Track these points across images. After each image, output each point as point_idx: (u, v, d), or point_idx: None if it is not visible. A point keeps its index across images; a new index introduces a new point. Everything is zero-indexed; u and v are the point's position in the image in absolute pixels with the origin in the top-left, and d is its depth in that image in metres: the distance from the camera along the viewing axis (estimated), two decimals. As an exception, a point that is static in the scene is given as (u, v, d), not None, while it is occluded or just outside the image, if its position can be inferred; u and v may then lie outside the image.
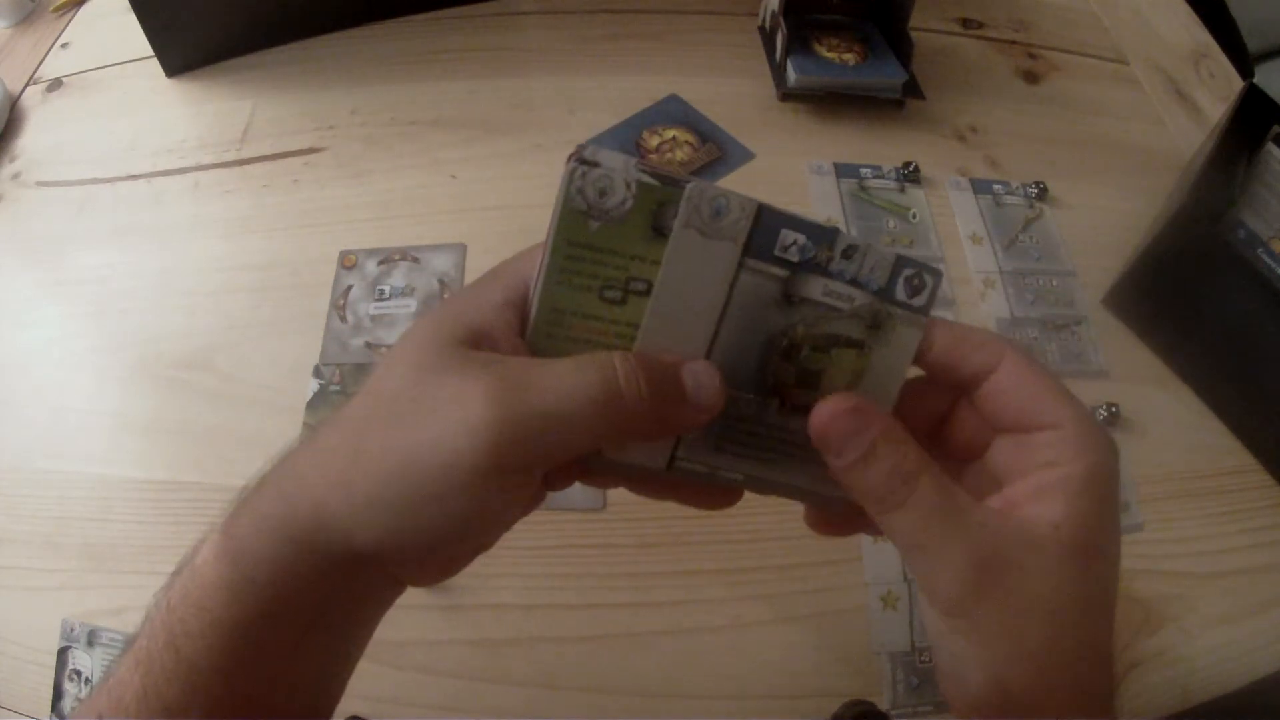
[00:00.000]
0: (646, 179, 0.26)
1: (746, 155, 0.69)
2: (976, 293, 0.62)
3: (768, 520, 0.50)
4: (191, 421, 0.55)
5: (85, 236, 0.64)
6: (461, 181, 0.66)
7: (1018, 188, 0.68)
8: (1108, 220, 0.67)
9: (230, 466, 0.53)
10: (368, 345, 0.58)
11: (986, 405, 0.29)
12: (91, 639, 0.48)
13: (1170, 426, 0.57)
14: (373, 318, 0.59)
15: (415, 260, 0.62)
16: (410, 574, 0.29)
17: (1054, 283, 0.63)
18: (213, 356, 0.58)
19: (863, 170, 0.68)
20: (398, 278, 0.61)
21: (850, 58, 0.71)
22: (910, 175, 0.67)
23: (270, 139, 0.69)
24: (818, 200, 0.66)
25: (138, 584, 0.49)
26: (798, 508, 0.32)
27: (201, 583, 0.26)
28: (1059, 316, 0.61)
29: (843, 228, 0.63)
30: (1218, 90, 0.78)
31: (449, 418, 0.25)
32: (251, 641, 0.26)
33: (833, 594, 0.50)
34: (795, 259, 0.27)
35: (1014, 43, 0.80)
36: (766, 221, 0.27)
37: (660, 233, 0.26)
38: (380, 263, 0.62)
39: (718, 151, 0.68)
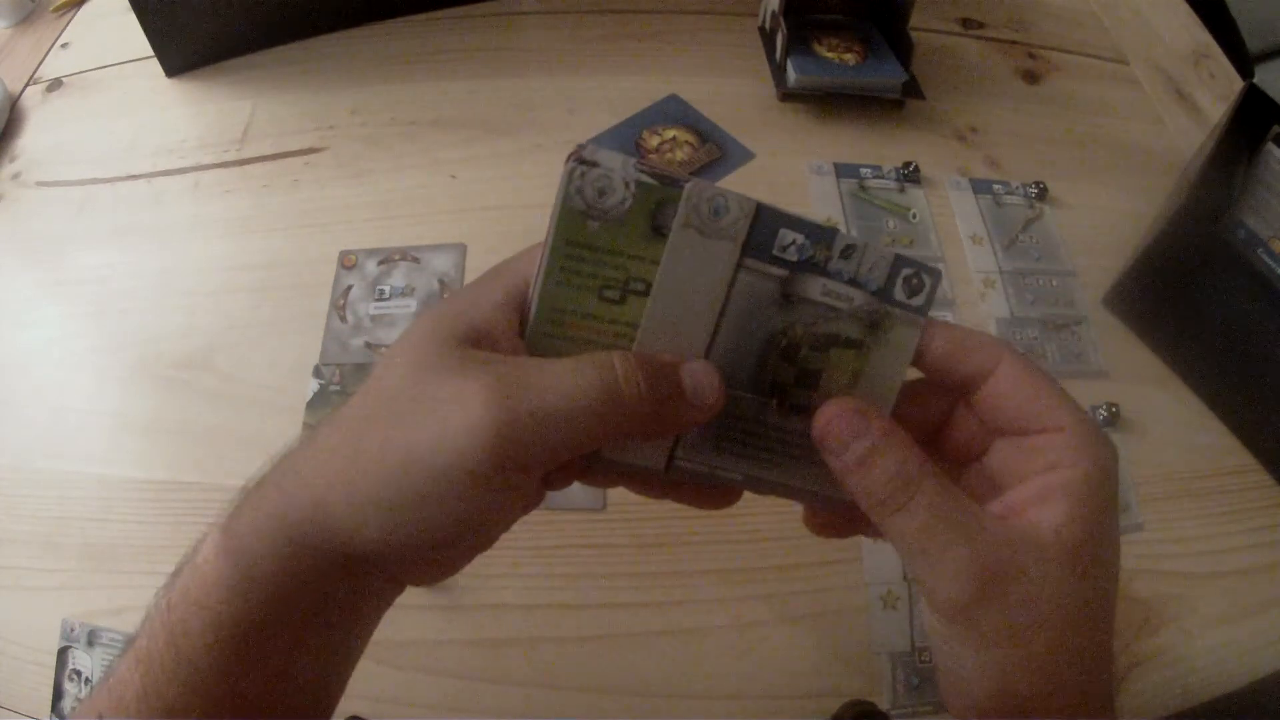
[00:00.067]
0: (645, 179, 0.26)
1: (746, 155, 0.69)
2: (976, 293, 0.62)
3: (768, 520, 0.50)
4: (191, 421, 0.55)
5: (85, 236, 0.64)
6: (461, 181, 0.66)
7: (1018, 188, 0.68)
8: (1108, 220, 0.67)
9: (230, 466, 0.53)
10: (368, 345, 0.58)
11: (985, 408, 0.29)
12: (91, 639, 0.48)
13: (1170, 426, 0.57)
14: (373, 318, 0.59)
15: (415, 260, 0.62)
16: (410, 573, 0.29)
17: (1054, 283, 0.63)
18: (213, 356, 0.58)
19: (863, 170, 0.68)
20: (398, 278, 0.61)
21: (850, 58, 0.71)
22: (910, 175, 0.67)
23: (270, 139, 0.69)
24: (818, 200, 0.66)
25: (138, 584, 0.49)
26: (797, 508, 0.32)
27: (202, 581, 0.26)
28: (1059, 316, 0.61)
29: (843, 228, 0.63)
30: (1218, 90, 0.77)
31: (449, 417, 0.25)
32: (252, 640, 0.26)
33: (833, 594, 0.49)
34: (794, 259, 0.27)
35: (1014, 43, 0.80)
36: (765, 221, 0.27)
37: (659, 232, 0.26)
38: (380, 263, 0.62)
39: (718, 151, 0.68)
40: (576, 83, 0.73)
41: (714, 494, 0.31)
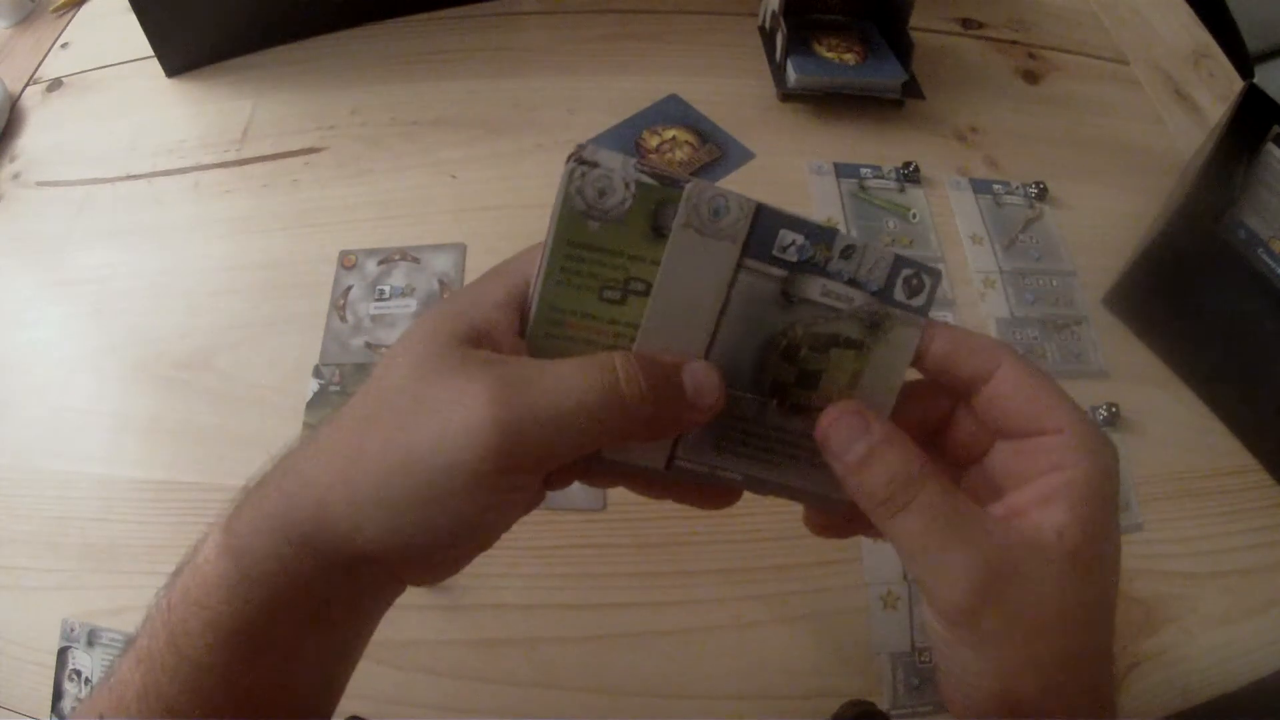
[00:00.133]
0: (645, 179, 0.26)
1: (746, 155, 0.69)
2: (976, 293, 0.62)
3: (767, 520, 0.50)
4: (191, 421, 0.55)
5: (85, 236, 0.64)
6: (461, 181, 0.66)
7: (1018, 188, 0.68)
8: (1108, 220, 0.67)
9: (230, 466, 0.53)
10: (368, 345, 0.58)
11: (986, 410, 0.29)
12: (91, 639, 0.48)
13: (1170, 426, 0.57)
14: (373, 318, 0.59)
15: (415, 260, 0.62)
16: (411, 573, 0.29)
17: (1054, 283, 0.63)
18: (213, 356, 0.58)
19: (863, 170, 0.68)
20: (398, 278, 0.61)
21: (850, 58, 0.71)
22: (910, 175, 0.67)
23: (270, 139, 0.69)
24: (818, 200, 0.66)
25: (138, 584, 0.49)
26: (797, 508, 0.32)
27: (202, 581, 0.26)
28: (1059, 316, 0.61)
29: (843, 228, 0.63)
30: (1218, 90, 0.77)
31: (450, 418, 0.25)
32: (253, 640, 0.26)
33: (833, 594, 0.49)
34: (794, 259, 0.27)
35: (1014, 43, 0.80)
36: (765, 221, 0.27)
37: (659, 233, 0.26)
38: (380, 263, 0.62)
39: (718, 151, 0.68)
40: (576, 83, 0.73)
41: (714, 494, 0.31)
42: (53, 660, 0.48)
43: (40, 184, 0.68)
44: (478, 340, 0.27)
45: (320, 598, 0.27)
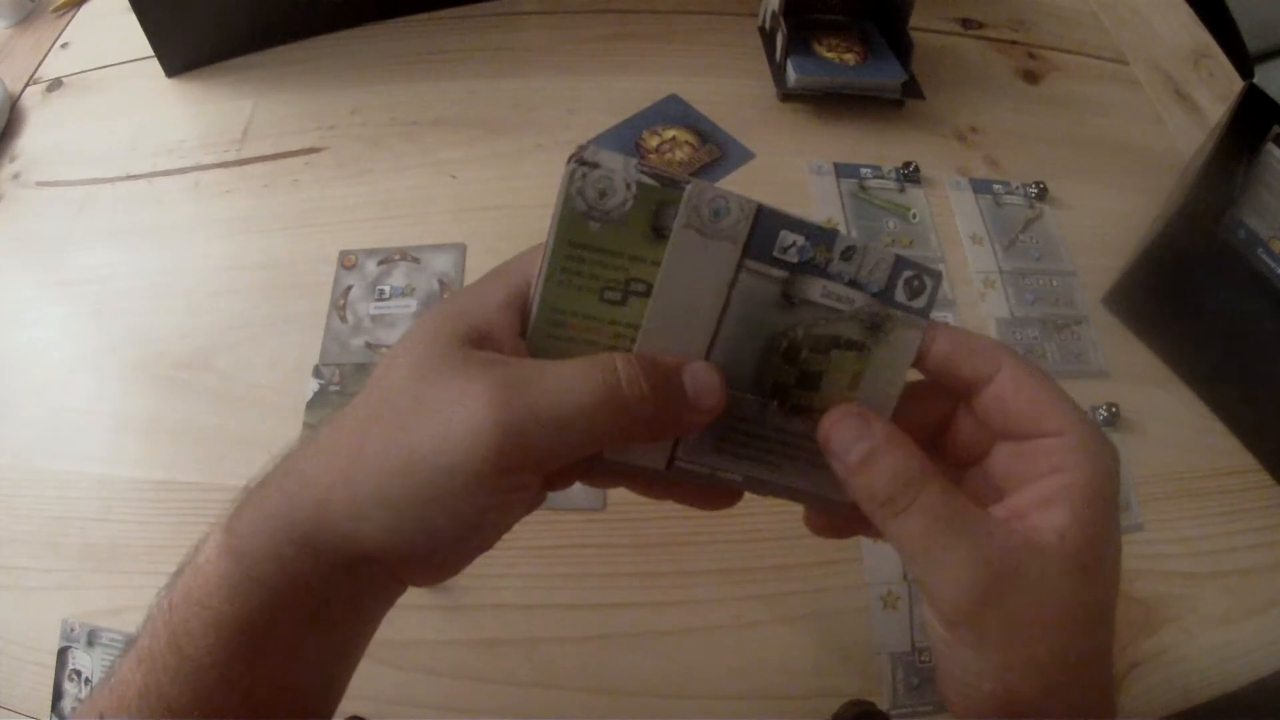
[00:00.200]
0: (646, 180, 0.26)
1: (746, 155, 0.69)
2: (976, 293, 0.62)
3: (767, 520, 0.50)
4: (191, 421, 0.55)
5: (85, 236, 0.64)
6: (461, 181, 0.66)
7: (1018, 188, 0.68)
8: (1108, 220, 0.67)
9: (230, 466, 0.53)
10: (368, 345, 0.58)
11: (987, 411, 0.29)
12: (91, 639, 0.48)
13: (1170, 426, 0.57)
14: (373, 318, 0.59)
15: (415, 260, 0.62)
16: (412, 574, 0.29)
17: (1054, 283, 0.63)
18: (213, 356, 0.58)
19: (863, 170, 0.68)
20: (398, 278, 0.61)
21: (850, 58, 0.71)
22: (910, 175, 0.67)
23: (270, 139, 0.69)
24: (818, 200, 0.66)
25: (138, 584, 0.49)
26: (796, 508, 0.32)
27: (204, 581, 0.26)
28: (1059, 316, 0.61)
29: (843, 228, 0.63)
30: (1218, 90, 0.78)
31: (451, 419, 0.25)
32: (253, 640, 0.26)
33: (833, 594, 0.50)
34: (794, 260, 0.27)
35: (1014, 43, 0.80)
36: (766, 222, 0.27)
37: (660, 234, 0.26)
38: (380, 263, 0.62)
39: (718, 151, 0.68)
40: (576, 83, 0.73)
41: (715, 495, 0.31)
42: (53, 660, 0.48)
43: (40, 184, 0.68)
44: (479, 341, 0.27)
45: (321, 598, 0.27)
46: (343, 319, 0.59)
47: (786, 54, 0.71)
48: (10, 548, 0.51)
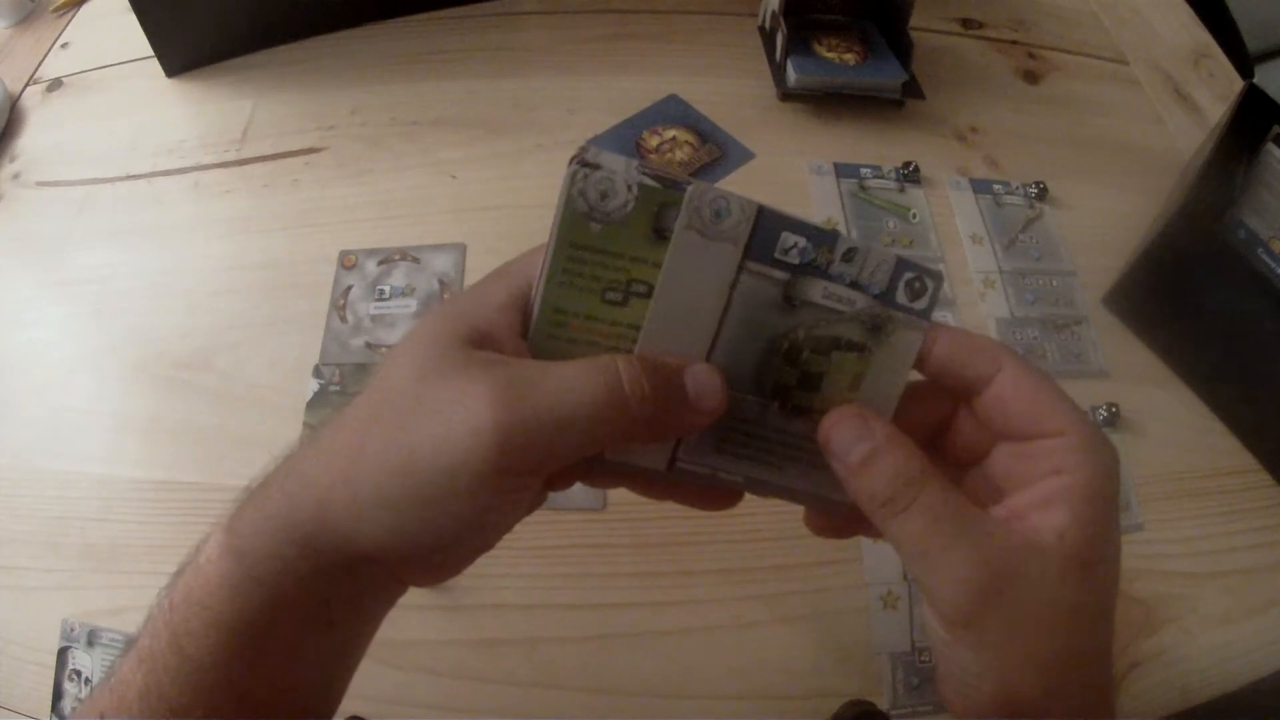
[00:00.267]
0: (648, 181, 0.26)
1: (746, 155, 0.69)
2: (976, 293, 0.62)
3: (767, 520, 0.50)
4: (191, 421, 0.55)
5: (85, 236, 0.64)
6: (461, 181, 0.66)
7: (1018, 188, 0.68)
8: (1108, 220, 0.67)
9: (230, 466, 0.53)
10: (368, 345, 0.58)
11: (987, 412, 0.29)
12: (91, 639, 0.48)
13: (1170, 426, 0.57)
14: (373, 318, 0.59)
15: (415, 260, 0.62)
16: (412, 574, 0.29)
17: (1054, 283, 0.63)
18: (213, 356, 0.58)
19: (863, 170, 0.68)
20: (398, 278, 0.61)
21: (850, 58, 0.71)
22: (910, 175, 0.67)
23: (270, 139, 0.69)
24: (818, 200, 0.66)
25: (138, 584, 0.49)
26: (797, 508, 0.32)
27: (205, 581, 0.26)
28: (1059, 316, 0.61)
29: (843, 228, 0.63)
30: (1218, 90, 0.78)
31: (453, 420, 0.25)
32: (254, 640, 0.26)
33: (833, 594, 0.50)
34: (796, 261, 0.27)
35: (1014, 43, 0.80)
36: (767, 224, 0.27)
37: (661, 235, 0.26)
38: (380, 263, 0.62)
39: (718, 151, 0.68)
40: (576, 83, 0.73)
41: (715, 495, 0.31)
42: (53, 660, 0.48)
43: (40, 184, 0.68)
44: (480, 342, 0.27)
45: (322, 598, 0.27)
46: (343, 319, 0.59)
47: (786, 54, 0.71)
48: (10, 548, 0.51)
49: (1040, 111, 0.75)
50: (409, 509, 0.25)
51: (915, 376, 0.30)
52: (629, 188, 0.26)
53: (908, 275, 0.28)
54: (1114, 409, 0.56)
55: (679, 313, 0.27)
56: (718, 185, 0.27)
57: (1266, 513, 0.54)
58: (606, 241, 0.27)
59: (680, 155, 0.68)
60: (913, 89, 0.72)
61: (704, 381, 0.27)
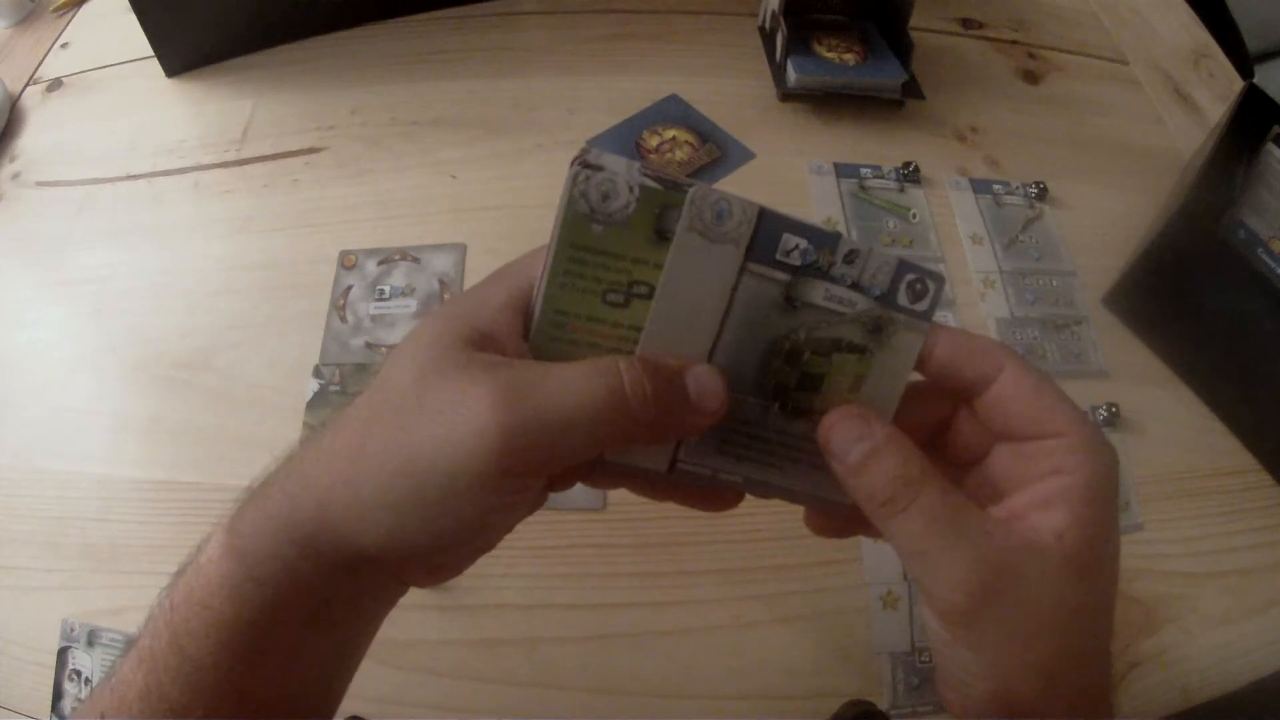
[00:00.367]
0: (649, 182, 0.26)
1: (746, 155, 0.69)
2: (976, 293, 0.62)
3: (767, 520, 0.50)
4: (191, 421, 0.55)
5: (85, 236, 0.64)
6: (461, 181, 0.66)
7: (1018, 188, 0.68)
8: (1108, 220, 0.67)
9: (230, 466, 0.53)
10: (368, 345, 0.58)
11: (988, 413, 0.29)
12: (91, 639, 0.48)
13: (1170, 426, 0.57)
14: (373, 318, 0.59)
15: (415, 260, 0.62)
16: (413, 574, 0.29)
17: (1054, 283, 0.63)
18: (213, 356, 0.58)
19: (863, 170, 0.68)
20: (398, 278, 0.61)
21: (850, 58, 0.71)
22: (910, 175, 0.67)
23: (270, 139, 0.69)
24: (818, 200, 0.66)
25: (138, 584, 0.49)
26: (797, 508, 0.32)
27: (205, 582, 0.26)
28: (1059, 316, 0.61)
29: (843, 228, 0.63)
30: (1218, 90, 0.78)
31: (454, 421, 0.25)
32: (255, 640, 0.26)
33: (833, 594, 0.50)
34: (797, 263, 0.27)
35: (1014, 43, 0.80)
36: (768, 225, 0.27)
37: (663, 236, 0.26)
38: (380, 263, 0.62)
39: (718, 151, 0.68)
40: (576, 83, 0.73)
41: (716, 496, 0.31)
42: (53, 660, 0.48)
43: (40, 184, 0.68)
44: (482, 343, 0.27)
45: (322, 598, 0.27)
46: (343, 319, 0.59)
47: (786, 54, 0.71)
48: (10, 548, 0.51)
49: (1040, 111, 0.75)
50: (410, 510, 0.25)
51: (915, 377, 0.30)
52: (630, 189, 0.26)
53: (909, 277, 0.28)
54: (1114, 409, 0.56)
55: (681, 314, 0.27)
56: (718, 185, 0.27)
57: (1266, 513, 0.54)
58: (608, 243, 0.27)
59: (680, 155, 0.68)
60: (913, 89, 0.72)
61: (705, 383, 0.27)
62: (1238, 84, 0.77)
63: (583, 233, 0.26)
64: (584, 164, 0.26)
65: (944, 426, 0.31)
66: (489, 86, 0.73)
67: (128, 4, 0.68)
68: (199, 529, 0.28)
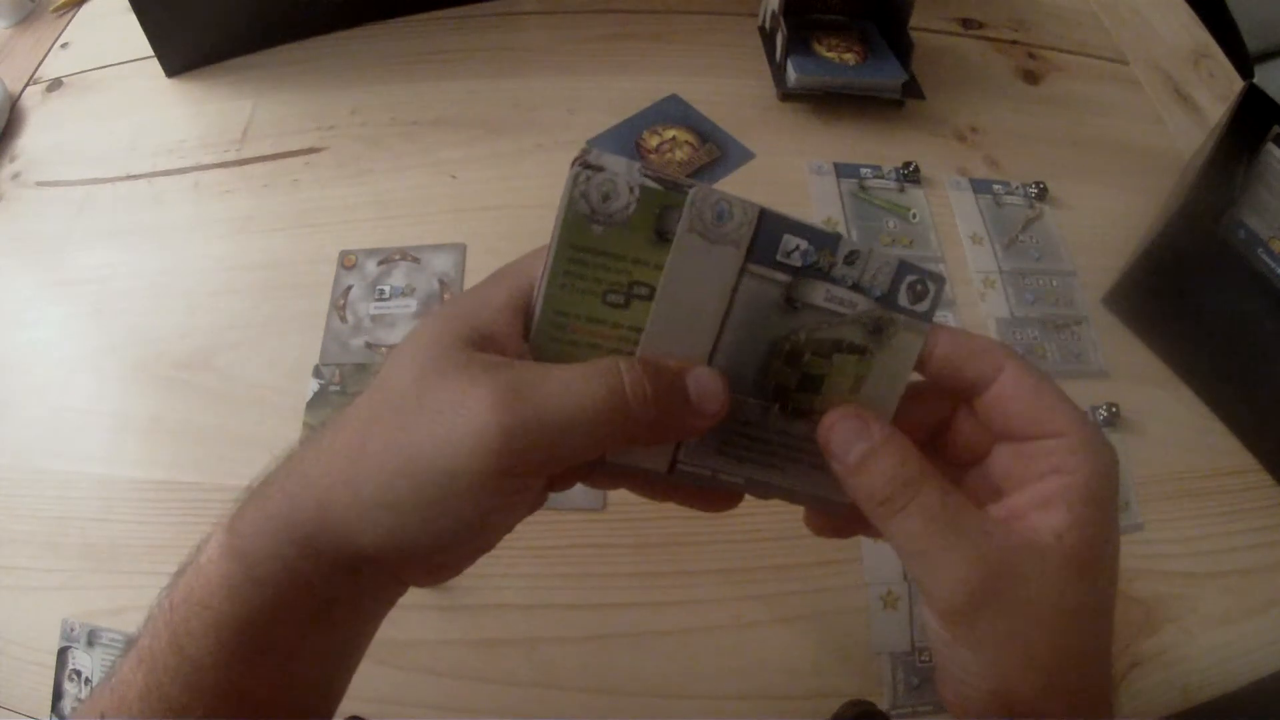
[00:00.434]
0: (650, 183, 0.26)
1: (746, 155, 0.69)
2: (976, 293, 0.62)
3: (767, 520, 0.50)
4: (191, 421, 0.55)
5: (85, 236, 0.64)
6: (461, 181, 0.66)
7: (1018, 188, 0.68)
8: (1108, 220, 0.67)
9: (230, 466, 0.53)
10: (368, 345, 0.58)
11: (989, 413, 0.29)
12: (91, 639, 0.48)
13: (1170, 426, 0.57)
14: (373, 318, 0.59)
15: (415, 260, 0.62)
16: (413, 574, 0.29)
17: (1054, 283, 0.63)
18: (213, 356, 0.58)
19: (863, 170, 0.68)
20: (398, 278, 0.61)
21: (850, 58, 0.71)
22: (910, 175, 0.67)
23: (270, 139, 0.69)
24: (818, 200, 0.66)
25: (138, 584, 0.49)
26: (797, 508, 0.32)
27: (205, 582, 0.26)
28: (1059, 316, 0.61)
29: (843, 228, 0.63)
30: (1218, 90, 0.78)
31: (455, 422, 0.25)
32: (255, 640, 0.26)
33: (833, 594, 0.50)
34: (798, 264, 0.27)
35: (1014, 43, 0.80)
36: (769, 226, 0.27)
37: (663, 237, 0.26)
38: (380, 263, 0.62)
39: (718, 151, 0.68)
40: (576, 83, 0.73)
41: (715, 496, 0.31)
42: (53, 660, 0.48)
43: (40, 184, 0.68)
44: (482, 343, 0.27)
45: (322, 598, 0.27)
46: (343, 319, 0.59)
47: (786, 54, 0.71)
48: (10, 548, 0.51)
49: (1040, 111, 0.75)
50: (410, 510, 0.25)
51: (915, 377, 0.30)
52: (631, 190, 0.26)
53: (910, 278, 0.28)
54: (1114, 409, 0.56)
55: (681, 316, 0.27)
56: (718, 185, 0.27)
57: (1266, 513, 0.54)
58: (608, 244, 0.27)
59: (680, 155, 0.68)
60: (913, 89, 0.72)
61: (706, 384, 0.27)
62: (1238, 84, 0.77)
63: (583, 233, 0.26)
64: (584, 165, 0.26)
65: (944, 427, 0.31)
66: (489, 86, 0.73)
67: (128, 4, 0.67)
68: (199, 529, 0.28)
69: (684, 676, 0.47)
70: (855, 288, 0.28)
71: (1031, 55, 0.79)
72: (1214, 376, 0.58)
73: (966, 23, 0.81)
